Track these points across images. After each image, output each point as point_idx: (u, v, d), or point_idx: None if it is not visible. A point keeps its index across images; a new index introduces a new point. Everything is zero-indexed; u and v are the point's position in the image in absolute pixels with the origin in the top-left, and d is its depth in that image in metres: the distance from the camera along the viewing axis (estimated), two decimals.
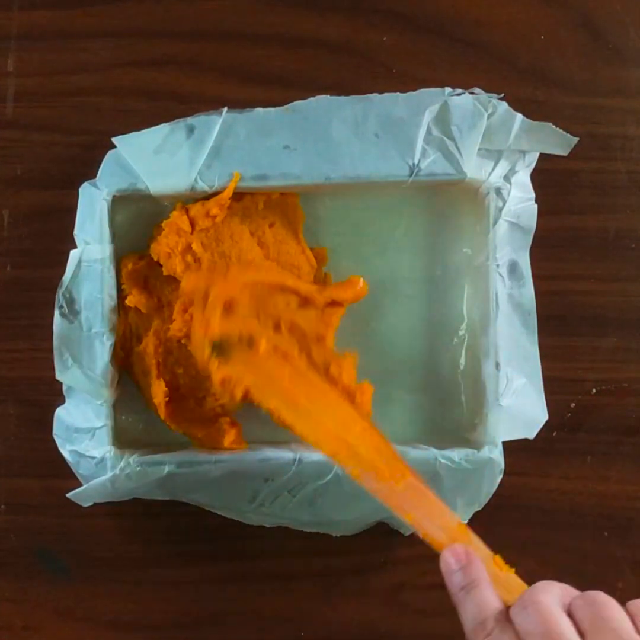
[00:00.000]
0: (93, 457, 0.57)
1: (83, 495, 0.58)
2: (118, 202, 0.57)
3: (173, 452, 0.58)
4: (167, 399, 0.58)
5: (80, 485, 0.57)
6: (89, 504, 0.58)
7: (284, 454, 0.57)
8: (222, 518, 0.59)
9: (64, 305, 0.57)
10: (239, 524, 0.60)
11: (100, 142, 0.58)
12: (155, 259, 0.58)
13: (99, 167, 0.57)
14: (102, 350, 0.57)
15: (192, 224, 0.57)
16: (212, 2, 0.61)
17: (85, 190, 0.57)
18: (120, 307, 0.58)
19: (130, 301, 0.58)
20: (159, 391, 0.58)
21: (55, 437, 0.58)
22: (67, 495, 0.58)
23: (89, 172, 0.57)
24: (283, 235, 0.59)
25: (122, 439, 0.59)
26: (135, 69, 0.61)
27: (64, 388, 0.58)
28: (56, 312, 0.57)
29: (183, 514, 0.61)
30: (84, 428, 0.57)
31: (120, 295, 0.58)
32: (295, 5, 0.61)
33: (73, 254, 0.57)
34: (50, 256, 0.61)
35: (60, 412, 0.58)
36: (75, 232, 0.57)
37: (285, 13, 0.61)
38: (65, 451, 0.57)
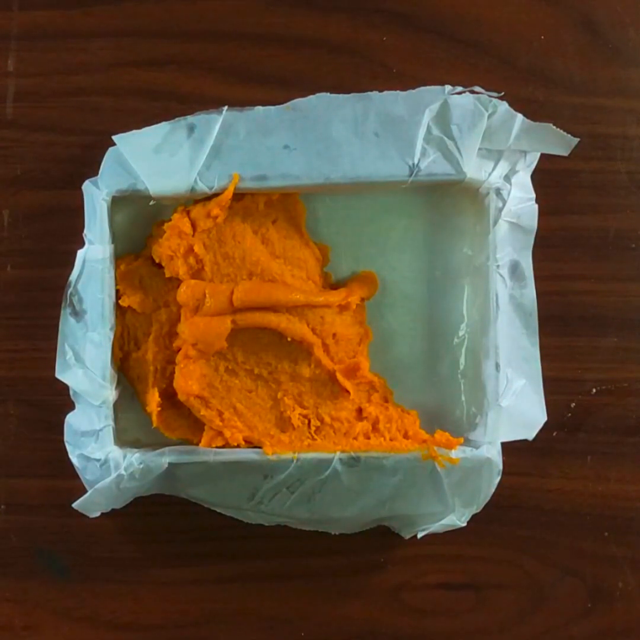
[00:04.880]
0: (98, 460, 0.56)
1: (88, 502, 0.57)
2: (118, 202, 0.57)
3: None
4: (159, 408, 0.58)
5: (81, 485, 0.57)
6: (96, 514, 0.58)
7: None
8: (221, 518, 0.59)
9: (71, 304, 0.57)
10: (238, 525, 0.60)
11: (100, 142, 0.58)
12: (157, 261, 0.58)
13: (98, 167, 0.57)
14: (102, 351, 0.56)
15: (194, 225, 0.57)
16: (212, 2, 0.61)
17: (87, 189, 0.57)
18: (117, 307, 0.58)
19: (123, 301, 0.58)
20: (152, 400, 0.57)
21: (66, 444, 0.57)
22: (73, 505, 0.57)
23: (89, 172, 0.57)
24: (286, 230, 0.59)
25: (123, 439, 0.59)
26: (135, 69, 0.61)
27: (71, 393, 0.57)
28: (64, 311, 0.57)
29: (183, 514, 0.61)
30: (89, 431, 0.57)
31: (118, 295, 0.58)
32: (295, 5, 0.61)
33: (80, 253, 0.57)
34: (50, 256, 0.61)
35: (70, 418, 0.57)
36: (85, 231, 0.57)
37: (285, 13, 0.61)
38: (73, 457, 0.57)
